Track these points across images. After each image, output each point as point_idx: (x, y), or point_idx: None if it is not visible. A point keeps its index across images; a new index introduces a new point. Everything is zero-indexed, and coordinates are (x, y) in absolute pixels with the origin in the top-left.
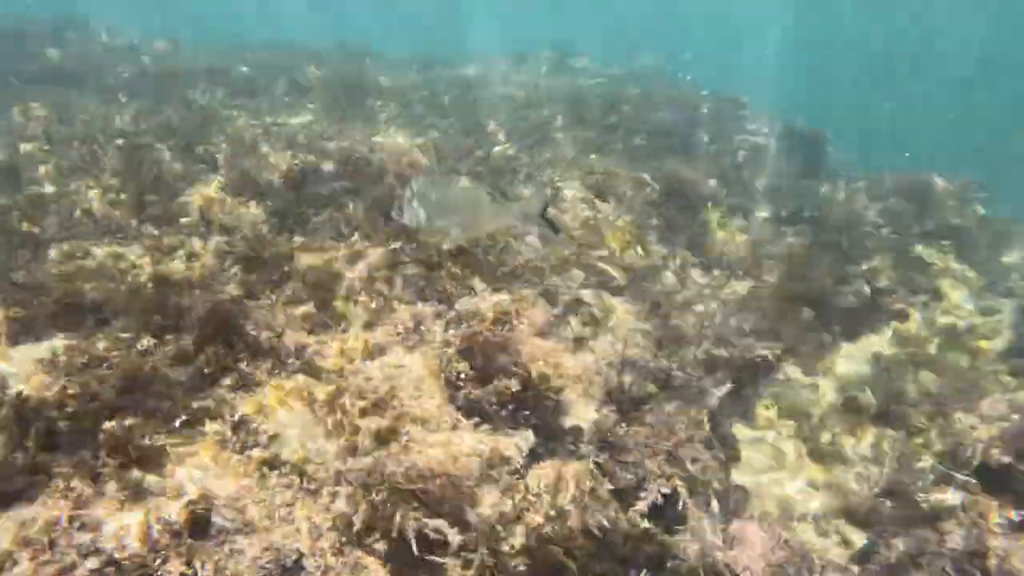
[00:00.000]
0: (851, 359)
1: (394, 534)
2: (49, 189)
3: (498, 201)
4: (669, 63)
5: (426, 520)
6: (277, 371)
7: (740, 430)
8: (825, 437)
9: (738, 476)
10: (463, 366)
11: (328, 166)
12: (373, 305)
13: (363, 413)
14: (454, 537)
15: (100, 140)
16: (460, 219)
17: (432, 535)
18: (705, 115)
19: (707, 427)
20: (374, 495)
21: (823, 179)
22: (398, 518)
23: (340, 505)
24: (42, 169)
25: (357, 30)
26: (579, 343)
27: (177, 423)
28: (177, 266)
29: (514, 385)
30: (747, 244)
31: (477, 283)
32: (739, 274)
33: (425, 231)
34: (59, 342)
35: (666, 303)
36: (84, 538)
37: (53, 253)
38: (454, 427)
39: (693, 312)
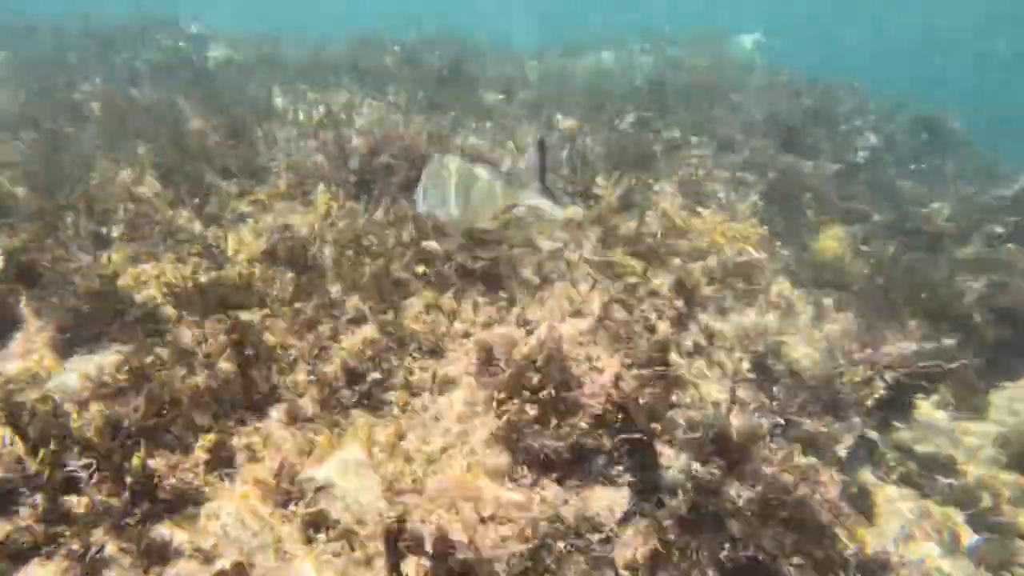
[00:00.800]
0: (1017, 401)
1: None
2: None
3: (494, 173)
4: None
5: None
6: (333, 406)
7: (873, 483)
8: (986, 501)
9: (875, 547)
10: (542, 408)
11: None
12: (443, 329)
13: (429, 461)
14: None
15: None
16: (462, 204)
17: None
18: None
19: (837, 484)
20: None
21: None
22: None
23: None
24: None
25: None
26: (678, 380)
27: (214, 464)
28: (229, 272)
29: (603, 431)
30: (861, 255)
31: (554, 302)
32: (858, 292)
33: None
34: (109, 357)
35: (779, 327)
36: None
37: (115, 256)
38: (534, 483)
39: (809, 337)
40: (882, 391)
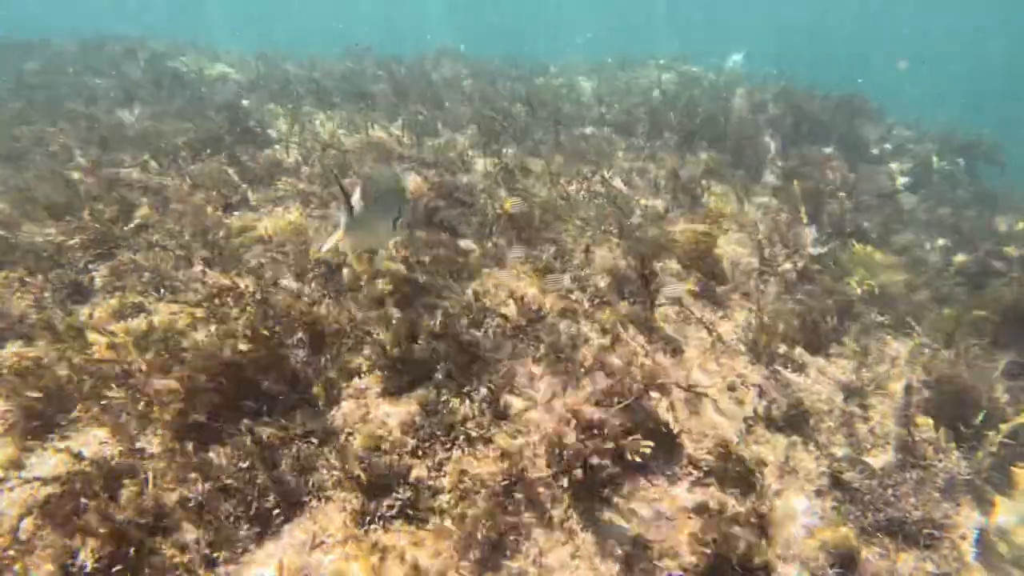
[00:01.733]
0: None
1: None
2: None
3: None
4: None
5: None
6: (369, 520)
7: None
8: None
9: None
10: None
11: None
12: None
13: None
14: None
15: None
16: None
17: None
18: None
19: None
20: None
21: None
22: None
23: None
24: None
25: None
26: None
27: None
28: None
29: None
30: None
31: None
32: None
33: None
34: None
35: (861, 381)
36: None
37: (98, 311)
38: None
39: (891, 396)
40: (990, 460)
